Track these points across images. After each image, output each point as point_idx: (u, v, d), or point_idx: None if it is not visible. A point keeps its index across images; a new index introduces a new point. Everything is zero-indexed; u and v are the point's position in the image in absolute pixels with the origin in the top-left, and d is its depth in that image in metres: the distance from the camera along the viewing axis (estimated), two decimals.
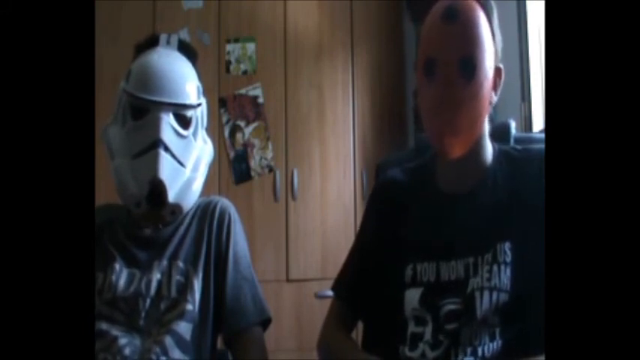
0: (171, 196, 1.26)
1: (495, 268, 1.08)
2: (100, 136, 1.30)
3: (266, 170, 3.00)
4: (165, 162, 1.25)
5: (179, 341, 1.23)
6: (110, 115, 1.36)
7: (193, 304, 1.27)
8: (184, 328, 1.25)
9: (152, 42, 1.37)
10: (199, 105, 1.34)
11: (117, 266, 1.29)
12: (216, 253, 1.33)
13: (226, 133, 2.99)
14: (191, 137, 1.32)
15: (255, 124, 3.01)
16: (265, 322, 1.36)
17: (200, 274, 1.30)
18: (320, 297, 2.84)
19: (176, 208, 1.28)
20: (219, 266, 1.32)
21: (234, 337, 1.32)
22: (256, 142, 3.00)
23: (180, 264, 1.30)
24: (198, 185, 1.33)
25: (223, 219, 1.36)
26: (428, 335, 1.09)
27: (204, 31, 3.02)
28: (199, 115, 1.35)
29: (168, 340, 1.22)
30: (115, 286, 1.26)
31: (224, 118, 2.99)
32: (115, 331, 1.22)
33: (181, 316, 1.25)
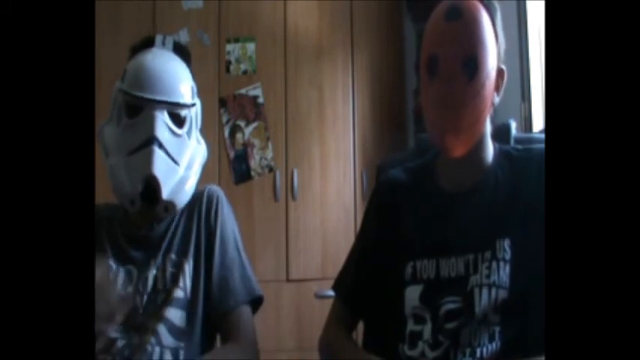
0: (165, 193, 1.26)
1: (494, 265, 1.08)
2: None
3: (266, 170, 3.00)
4: (159, 159, 1.25)
5: (172, 328, 1.25)
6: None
7: (185, 290, 1.28)
8: (176, 314, 1.26)
9: (147, 43, 1.37)
10: (194, 105, 1.35)
11: (114, 266, 1.30)
12: (205, 236, 1.34)
13: (226, 133, 2.98)
14: (185, 136, 1.32)
15: (255, 124, 3.01)
16: (256, 302, 1.35)
17: (191, 260, 1.31)
18: (320, 297, 2.84)
19: (169, 205, 1.29)
20: (207, 249, 1.33)
21: (222, 318, 1.31)
22: (256, 142, 3.00)
23: (174, 256, 1.31)
24: (191, 184, 1.33)
25: (211, 202, 1.37)
26: (427, 334, 1.09)
27: (204, 31, 3.02)
28: (194, 115, 1.36)
29: (162, 329, 1.24)
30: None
31: (224, 118, 2.99)
32: (113, 332, 1.23)
33: (172, 303, 1.26)
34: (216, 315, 1.31)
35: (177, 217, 1.36)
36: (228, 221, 1.37)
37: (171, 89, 1.29)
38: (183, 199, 1.32)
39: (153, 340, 1.23)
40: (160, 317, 1.25)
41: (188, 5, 3.03)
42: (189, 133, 1.34)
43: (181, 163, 1.31)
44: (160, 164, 1.25)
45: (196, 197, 1.37)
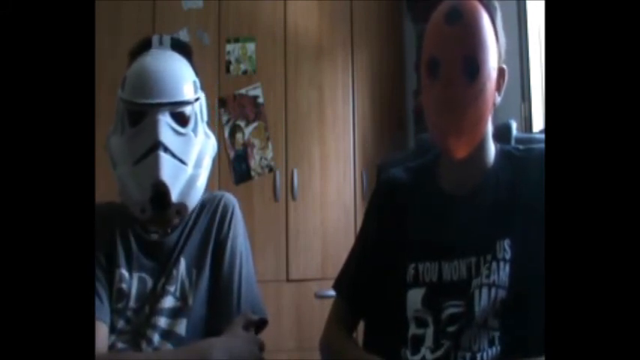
0: (175, 196, 1.25)
1: (495, 265, 1.08)
2: (104, 145, 1.31)
3: (266, 170, 3.00)
4: (165, 163, 1.23)
5: (169, 335, 1.24)
6: (111, 122, 1.35)
7: (189, 299, 1.27)
8: (175, 323, 1.25)
9: (145, 45, 1.35)
10: (197, 100, 1.33)
11: (126, 274, 1.28)
12: (214, 248, 1.33)
13: (226, 133, 2.99)
14: (191, 133, 1.30)
15: (255, 124, 3.01)
16: (260, 322, 1.34)
17: (201, 272, 1.30)
18: (320, 297, 2.84)
19: (181, 208, 1.27)
20: (215, 261, 1.32)
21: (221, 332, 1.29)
22: (256, 142, 3.00)
23: (187, 267, 1.30)
24: (202, 181, 1.31)
25: (226, 214, 1.36)
26: (429, 340, 1.09)
27: (204, 31, 3.02)
28: (198, 110, 1.33)
29: (162, 337, 1.23)
30: (127, 296, 1.26)
31: (224, 118, 2.99)
32: (120, 344, 1.23)
33: (176, 312, 1.26)
34: (216, 330, 1.28)
35: (190, 222, 1.34)
36: (238, 238, 1.35)
37: (171, 89, 1.27)
38: (194, 198, 1.30)
39: (149, 348, 1.22)
40: (160, 326, 1.24)
41: (188, 5, 3.03)
42: (195, 129, 1.31)
43: (189, 162, 1.29)
44: (167, 168, 1.23)
45: (212, 204, 1.36)
